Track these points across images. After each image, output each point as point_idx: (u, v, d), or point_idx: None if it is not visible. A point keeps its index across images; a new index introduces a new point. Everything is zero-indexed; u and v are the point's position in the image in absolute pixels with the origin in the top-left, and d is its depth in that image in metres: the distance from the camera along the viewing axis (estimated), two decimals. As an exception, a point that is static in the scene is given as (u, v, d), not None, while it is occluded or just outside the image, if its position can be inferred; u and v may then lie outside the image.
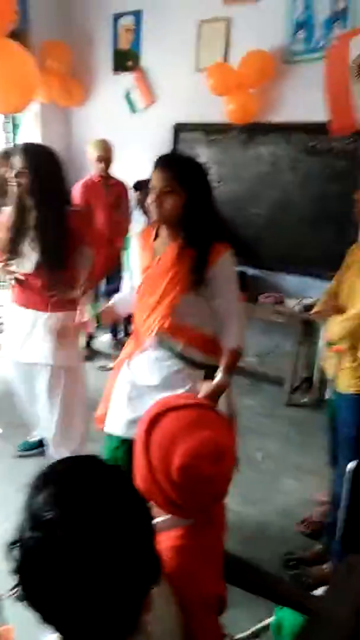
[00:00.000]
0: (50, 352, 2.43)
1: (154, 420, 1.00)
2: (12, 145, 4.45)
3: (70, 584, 0.66)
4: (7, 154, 3.89)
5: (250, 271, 3.89)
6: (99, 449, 2.58)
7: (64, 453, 2.62)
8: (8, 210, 2.41)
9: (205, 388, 1.86)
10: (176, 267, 1.85)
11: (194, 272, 1.82)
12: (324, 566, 2.05)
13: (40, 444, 2.87)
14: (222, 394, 1.89)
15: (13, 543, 0.70)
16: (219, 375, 1.87)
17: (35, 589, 0.68)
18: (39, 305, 2.45)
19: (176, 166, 1.82)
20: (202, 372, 1.94)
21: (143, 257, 1.99)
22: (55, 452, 2.63)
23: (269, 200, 3.74)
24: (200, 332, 1.93)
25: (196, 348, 1.93)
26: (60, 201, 2.34)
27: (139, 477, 0.96)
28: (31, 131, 4.41)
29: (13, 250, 2.39)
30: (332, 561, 2.03)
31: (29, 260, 2.37)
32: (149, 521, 0.76)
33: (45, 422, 2.63)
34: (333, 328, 1.91)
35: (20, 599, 0.70)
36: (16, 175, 2.24)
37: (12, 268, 2.44)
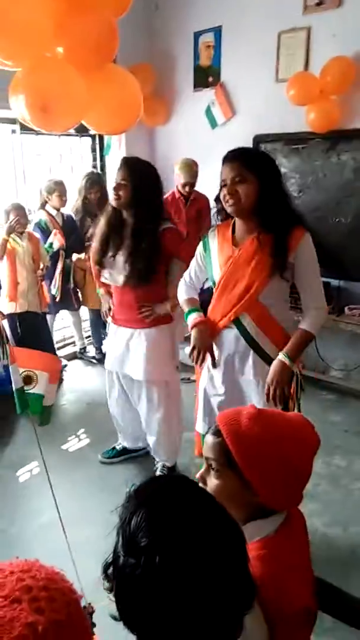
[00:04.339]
0: (145, 369, 2.55)
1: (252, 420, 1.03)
2: (97, 166, 4.67)
3: (166, 610, 0.66)
4: (93, 180, 4.11)
5: (335, 282, 3.78)
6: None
7: (161, 460, 2.81)
8: (102, 222, 2.50)
9: (271, 373, 1.93)
10: (259, 254, 1.89)
11: (275, 256, 1.86)
12: None
13: (124, 451, 2.99)
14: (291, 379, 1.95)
15: (108, 565, 0.73)
16: (281, 356, 1.92)
17: (130, 612, 0.70)
18: (132, 322, 2.56)
19: (243, 156, 1.87)
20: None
21: (223, 250, 2.01)
22: (154, 456, 2.84)
23: (353, 208, 3.61)
24: (279, 324, 1.98)
25: (272, 342, 1.98)
26: (156, 215, 2.40)
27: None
28: (117, 151, 4.59)
29: (101, 261, 2.49)
30: None
31: (120, 273, 2.45)
32: (243, 544, 0.75)
33: (143, 432, 2.81)
34: None
35: (116, 619, 0.72)
36: (116, 188, 2.34)
37: (104, 279, 2.56)
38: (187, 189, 3.94)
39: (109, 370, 2.80)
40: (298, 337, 1.95)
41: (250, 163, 1.84)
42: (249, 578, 0.74)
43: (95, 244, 2.53)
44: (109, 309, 2.72)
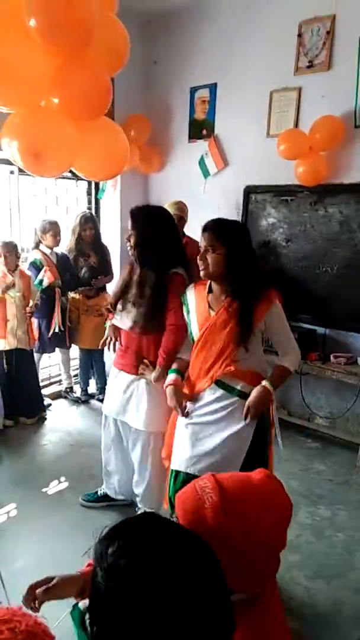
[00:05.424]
0: (146, 420, 2.53)
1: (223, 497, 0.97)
2: (92, 208, 4.77)
3: (151, 634, 0.66)
4: (87, 218, 4.19)
5: (321, 330, 3.83)
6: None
7: (147, 507, 2.73)
8: (125, 270, 2.60)
9: (254, 397, 2.05)
10: (232, 321, 2.03)
11: (242, 322, 2.00)
12: None
13: (105, 497, 2.91)
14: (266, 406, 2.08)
15: (84, 611, 0.72)
16: (265, 382, 2.07)
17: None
18: (134, 369, 2.55)
19: (216, 227, 2.04)
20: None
21: (199, 311, 2.16)
22: (140, 504, 2.75)
23: (339, 258, 3.71)
24: (254, 370, 2.11)
25: (250, 384, 2.10)
26: (164, 259, 2.41)
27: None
28: (111, 195, 4.71)
29: (116, 305, 2.56)
30: None
31: (128, 318, 2.49)
32: (218, 567, 0.74)
33: (133, 478, 2.74)
34: None
35: None
36: (127, 238, 2.45)
37: (115, 322, 2.59)
38: (176, 223, 3.94)
39: (105, 414, 2.76)
40: (278, 371, 2.12)
41: (222, 234, 2.00)
42: (229, 603, 0.73)
43: (114, 289, 2.63)
44: (111, 342, 2.66)
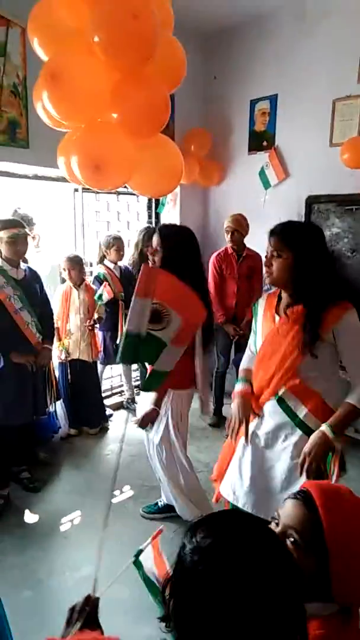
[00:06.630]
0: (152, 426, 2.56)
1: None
2: (152, 222, 4.86)
3: (221, 614, 0.67)
4: (149, 234, 4.27)
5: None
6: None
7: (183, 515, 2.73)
8: None
9: (309, 444, 1.78)
10: (295, 326, 1.85)
11: (305, 331, 1.81)
12: None
13: (165, 508, 2.92)
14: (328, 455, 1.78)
15: (167, 581, 0.77)
16: (324, 427, 1.78)
17: (188, 613, 0.71)
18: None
19: (283, 231, 1.88)
20: None
21: (267, 319, 2.02)
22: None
23: None
24: (324, 400, 1.86)
25: (315, 416, 1.86)
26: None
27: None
28: (171, 209, 4.78)
29: None
30: None
31: None
32: (297, 574, 0.75)
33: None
34: None
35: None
36: (152, 253, 2.46)
37: None
38: (229, 236, 3.98)
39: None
40: (344, 410, 1.79)
41: (288, 238, 1.85)
42: (300, 607, 0.73)
43: None
44: None
